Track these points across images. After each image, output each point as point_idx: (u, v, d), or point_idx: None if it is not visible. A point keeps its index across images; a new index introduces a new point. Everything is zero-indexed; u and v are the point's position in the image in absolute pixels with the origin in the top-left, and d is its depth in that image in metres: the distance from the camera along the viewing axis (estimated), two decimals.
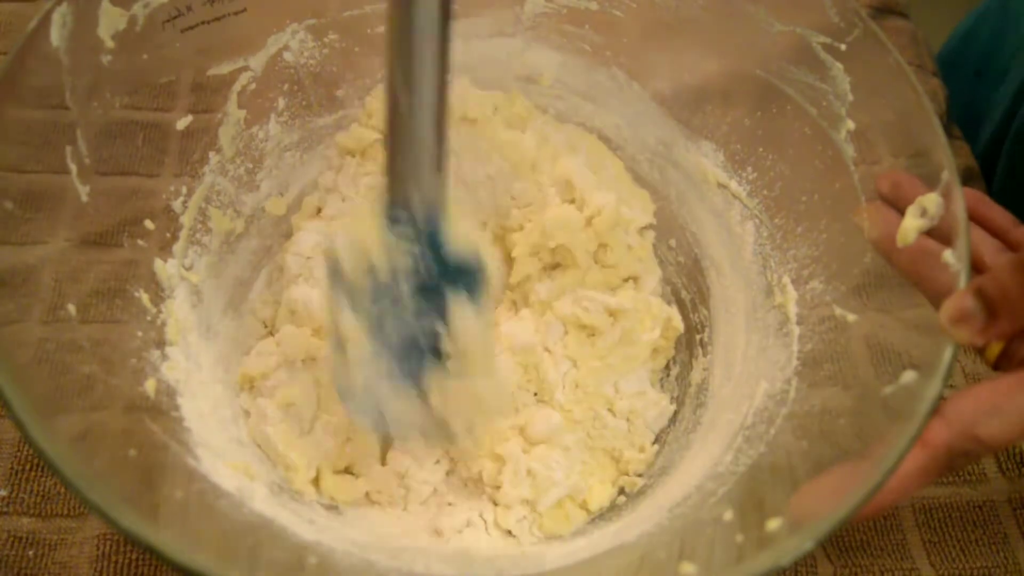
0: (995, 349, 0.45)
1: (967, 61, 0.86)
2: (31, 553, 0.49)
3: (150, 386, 0.44)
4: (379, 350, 0.43)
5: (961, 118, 0.77)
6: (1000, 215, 0.50)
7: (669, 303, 0.59)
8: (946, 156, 0.42)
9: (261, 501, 0.43)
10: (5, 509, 0.50)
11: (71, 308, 0.43)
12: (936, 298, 0.41)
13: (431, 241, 0.42)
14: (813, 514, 0.35)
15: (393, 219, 0.42)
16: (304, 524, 0.44)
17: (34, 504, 0.50)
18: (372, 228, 0.42)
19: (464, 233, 0.43)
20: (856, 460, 0.38)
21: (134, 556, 0.49)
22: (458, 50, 0.60)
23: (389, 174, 0.41)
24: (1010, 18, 0.83)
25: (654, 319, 0.56)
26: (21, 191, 0.42)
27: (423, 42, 0.38)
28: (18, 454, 0.52)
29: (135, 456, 0.40)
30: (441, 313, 0.42)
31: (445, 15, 0.38)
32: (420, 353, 0.43)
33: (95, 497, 0.33)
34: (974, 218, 0.48)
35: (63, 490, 0.51)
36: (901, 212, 0.44)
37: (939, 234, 0.42)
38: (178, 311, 0.50)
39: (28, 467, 0.51)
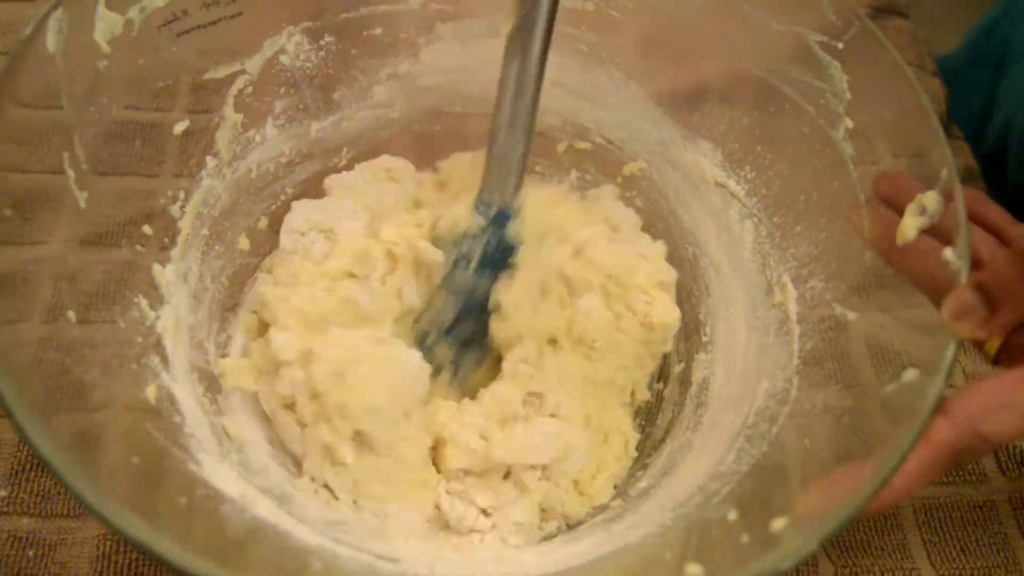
0: (995, 343, 0.45)
1: (988, 55, 0.86)
2: (31, 553, 0.48)
3: (151, 392, 0.44)
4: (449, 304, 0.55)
5: (981, 111, 0.77)
6: (996, 213, 0.50)
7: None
8: (946, 155, 0.42)
9: (264, 507, 0.43)
10: (5, 509, 0.50)
11: (70, 311, 0.43)
12: (936, 297, 0.41)
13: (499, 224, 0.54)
14: (818, 514, 0.35)
15: (482, 205, 0.53)
16: (307, 529, 0.44)
17: (34, 504, 0.50)
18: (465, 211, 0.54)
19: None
20: (860, 459, 0.38)
21: (134, 556, 0.49)
22: (456, 52, 0.61)
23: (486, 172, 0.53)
24: None
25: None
26: (21, 191, 0.42)
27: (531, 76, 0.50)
28: (18, 454, 0.52)
29: (137, 462, 0.40)
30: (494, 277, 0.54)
31: (543, 59, 0.49)
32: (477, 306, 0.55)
33: (98, 504, 0.33)
34: (971, 216, 0.48)
35: (63, 490, 0.50)
36: (899, 213, 0.44)
37: (939, 233, 0.42)
38: (177, 316, 0.50)
39: (28, 467, 0.51)
